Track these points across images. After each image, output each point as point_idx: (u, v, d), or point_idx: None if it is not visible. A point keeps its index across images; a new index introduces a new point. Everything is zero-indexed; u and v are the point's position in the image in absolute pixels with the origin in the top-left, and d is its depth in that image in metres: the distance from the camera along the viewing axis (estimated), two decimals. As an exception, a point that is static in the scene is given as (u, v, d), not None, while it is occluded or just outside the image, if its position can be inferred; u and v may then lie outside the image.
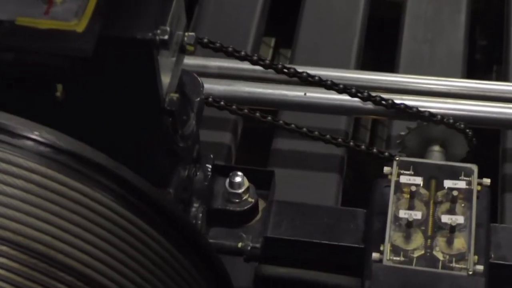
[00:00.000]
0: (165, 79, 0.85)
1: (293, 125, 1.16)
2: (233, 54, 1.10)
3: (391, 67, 1.34)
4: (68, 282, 0.71)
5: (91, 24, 0.77)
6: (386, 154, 1.11)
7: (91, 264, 0.73)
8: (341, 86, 1.14)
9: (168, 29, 0.81)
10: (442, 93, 1.23)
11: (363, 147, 1.13)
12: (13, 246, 0.70)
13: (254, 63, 1.12)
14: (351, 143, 1.14)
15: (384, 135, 1.52)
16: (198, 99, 0.96)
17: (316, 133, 1.15)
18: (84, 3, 0.77)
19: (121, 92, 0.84)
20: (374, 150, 1.12)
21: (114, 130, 0.87)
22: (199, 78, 0.99)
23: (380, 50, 1.53)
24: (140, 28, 0.80)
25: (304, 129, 1.15)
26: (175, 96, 0.86)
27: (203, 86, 0.98)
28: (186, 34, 0.89)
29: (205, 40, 1.08)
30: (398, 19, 1.40)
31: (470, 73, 1.35)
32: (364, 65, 1.37)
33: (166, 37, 0.81)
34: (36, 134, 0.73)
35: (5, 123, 0.73)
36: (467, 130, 1.13)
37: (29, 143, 0.73)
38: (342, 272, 1.09)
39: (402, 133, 1.15)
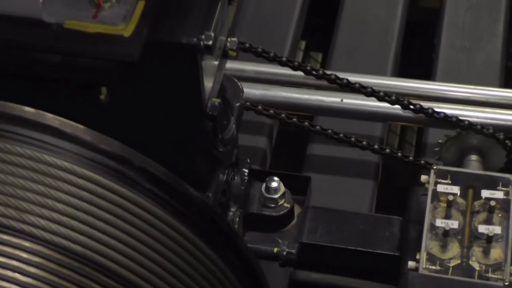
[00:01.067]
0: (208, 84, 0.85)
1: (329, 131, 1.16)
2: (274, 59, 1.10)
3: (427, 73, 1.34)
4: (104, 283, 0.72)
5: (138, 29, 0.77)
6: (423, 162, 1.11)
7: (130, 266, 0.74)
8: (381, 93, 1.14)
9: (212, 34, 0.82)
10: (480, 101, 1.23)
11: (399, 154, 1.13)
12: (48, 245, 0.70)
13: (295, 68, 1.12)
14: (387, 150, 1.14)
15: (413, 141, 1.52)
16: (238, 104, 0.97)
17: (353, 139, 1.15)
18: (131, 8, 0.78)
19: (164, 96, 0.85)
20: (411, 157, 1.12)
21: (156, 133, 0.87)
22: (239, 83, 0.99)
23: (416, 55, 1.52)
24: (185, 33, 0.80)
25: (341, 135, 1.15)
26: (217, 101, 0.87)
27: (243, 91, 0.99)
28: (229, 39, 0.89)
29: (247, 45, 1.08)
30: (435, 26, 1.39)
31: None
32: (399, 70, 1.36)
33: (210, 42, 0.81)
34: (79, 135, 0.74)
35: (48, 124, 0.74)
36: (506, 140, 1.13)
37: (73, 145, 0.74)
38: (377, 280, 1.09)
39: (440, 141, 1.15)
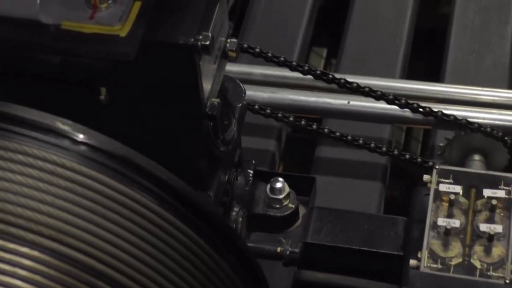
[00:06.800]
0: (207, 84, 0.87)
1: (338, 133, 1.16)
2: (284, 64, 1.11)
3: (437, 78, 1.35)
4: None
5: (134, 29, 0.79)
6: (419, 160, 1.12)
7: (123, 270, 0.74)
8: (390, 96, 1.15)
9: (210, 34, 0.83)
10: (488, 103, 1.23)
11: (395, 152, 1.14)
12: (47, 252, 0.71)
13: (305, 73, 1.13)
14: (383, 149, 1.14)
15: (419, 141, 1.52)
16: (240, 104, 0.98)
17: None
18: (128, 9, 0.80)
19: (163, 96, 0.86)
20: (407, 156, 1.13)
21: (156, 133, 0.89)
22: (241, 84, 1.00)
23: (427, 61, 1.53)
24: (183, 33, 0.82)
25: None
26: (216, 101, 0.88)
27: (245, 92, 1.00)
28: (229, 40, 0.90)
29: (257, 50, 1.09)
30: (445, 30, 1.40)
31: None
32: (410, 75, 1.37)
33: (208, 42, 0.82)
34: (78, 135, 0.75)
35: (51, 124, 0.75)
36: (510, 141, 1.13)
37: (71, 143, 0.75)
38: (381, 279, 1.09)
39: (448, 137, 1.15)
